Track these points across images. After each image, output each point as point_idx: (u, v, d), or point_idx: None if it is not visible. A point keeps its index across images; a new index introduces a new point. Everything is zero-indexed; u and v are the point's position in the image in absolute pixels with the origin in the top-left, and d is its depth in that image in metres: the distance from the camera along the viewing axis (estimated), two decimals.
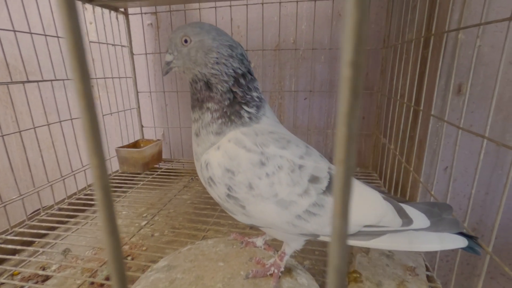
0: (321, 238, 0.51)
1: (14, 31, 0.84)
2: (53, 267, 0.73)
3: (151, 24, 1.38)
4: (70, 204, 1.00)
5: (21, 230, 0.83)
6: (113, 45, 1.25)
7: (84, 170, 1.11)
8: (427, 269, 0.66)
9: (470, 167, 0.81)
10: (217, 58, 0.49)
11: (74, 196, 1.05)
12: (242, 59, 0.52)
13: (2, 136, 0.81)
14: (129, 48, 1.32)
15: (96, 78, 1.20)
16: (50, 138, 0.97)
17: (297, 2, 1.19)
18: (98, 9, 1.17)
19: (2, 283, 0.67)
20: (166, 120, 1.49)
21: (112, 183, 1.18)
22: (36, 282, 0.68)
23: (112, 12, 1.22)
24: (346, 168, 0.09)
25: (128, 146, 1.32)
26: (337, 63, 1.27)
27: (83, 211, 1.00)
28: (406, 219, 0.50)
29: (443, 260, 0.88)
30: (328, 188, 0.48)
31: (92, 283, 0.67)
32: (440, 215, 0.52)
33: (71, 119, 1.05)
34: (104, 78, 1.22)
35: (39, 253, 0.77)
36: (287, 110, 1.36)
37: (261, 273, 0.53)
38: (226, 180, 0.48)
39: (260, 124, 0.52)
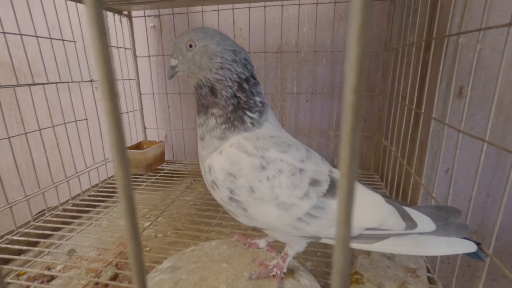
0: (323, 241, 0.52)
1: (21, 34, 0.85)
2: (58, 268, 0.74)
3: (154, 26, 1.39)
4: (74, 205, 1.01)
5: (27, 230, 0.85)
6: (116, 47, 1.26)
7: (88, 171, 1.12)
8: (428, 271, 0.66)
9: (471, 169, 0.81)
10: (221, 63, 0.50)
11: (78, 197, 1.06)
12: (246, 63, 0.52)
13: (9, 138, 0.83)
14: (133, 51, 1.34)
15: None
16: (55, 140, 0.99)
17: (299, 5, 1.20)
18: None
19: (9, 283, 0.68)
20: (169, 121, 1.50)
21: (115, 184, 1.18)
22: (42, 282, 0.69)
23: (116, 15, 1.24)
24: (349, 181, 0.09)
25: (131, 147, 1.33)
26: (339, 65, 1.27)
27: (87, 212, 1.01)
28: (410, 223, 0.49)
29: (444, 262, 0.88)
30: (329, 191, 0.49)
31: (97, 283, 0.68)
32: (446, 218, 0.51)
33: (76, 121, 1.06)
34: None
35: (44, 253, 0.78)
36: (289, 112, 1.37)
37: (264, 274, 0.54)
38: (228, 183, 0.49)
39: (262, 129, 0.53)
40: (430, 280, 0.64)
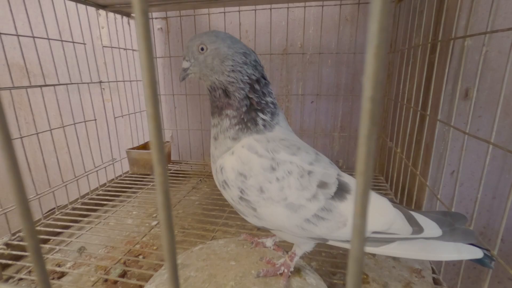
0: (330, 243, 0.53)
1: (34, 37, 0.87)
2: (68, 264, 0.75)
3: (161, 28, 1.41)
4: (83, 204, 1.03)
5: (38, 228, 0.86)
6: (124, 49, 1.28)
7: (97, 170, 1.14)
8: (434, 272, 0.67)
9: (477, 171, 0.81)
10: (232, 66, 0.52)
11: (87, 196, 1.08)
12: (256, 65, 0.54)
13: (21, 138, 0.85)
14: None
15: (109, 82, 1.23)
16: (65, 140, 1.01)
17: (304, 7, 1.21)
18: (111, 14, 1.21)
19: (21, 279, 0.70)
20: (175, 122, 1.52)
21: (123, 184, 1.21)
22: (53, 279, 0.71)
23: (124, 17, 1.26)
24: (365, 178, 0.11)
25: (138, 147, 1.35)
26: (344, 67, 1.28)
27: (95, 210, 1.03)
28: (417, 227, 0.49)
29: (450, 264, 0.88)
30: (337, 194, 0.50)
31: (106, 280, 0.69)
32: (452, 224, 0.51)
33: (85, 121, 1.08)
34: (116, 81, 1.26)
35: (55, 250, 0.80)
36: (294, 113, 1.38)
37: (271, 272, 0.55)
38: (239, 183, 0.50)
39: (273, 132, 0.54)
40: (435, 281, 0.64)
